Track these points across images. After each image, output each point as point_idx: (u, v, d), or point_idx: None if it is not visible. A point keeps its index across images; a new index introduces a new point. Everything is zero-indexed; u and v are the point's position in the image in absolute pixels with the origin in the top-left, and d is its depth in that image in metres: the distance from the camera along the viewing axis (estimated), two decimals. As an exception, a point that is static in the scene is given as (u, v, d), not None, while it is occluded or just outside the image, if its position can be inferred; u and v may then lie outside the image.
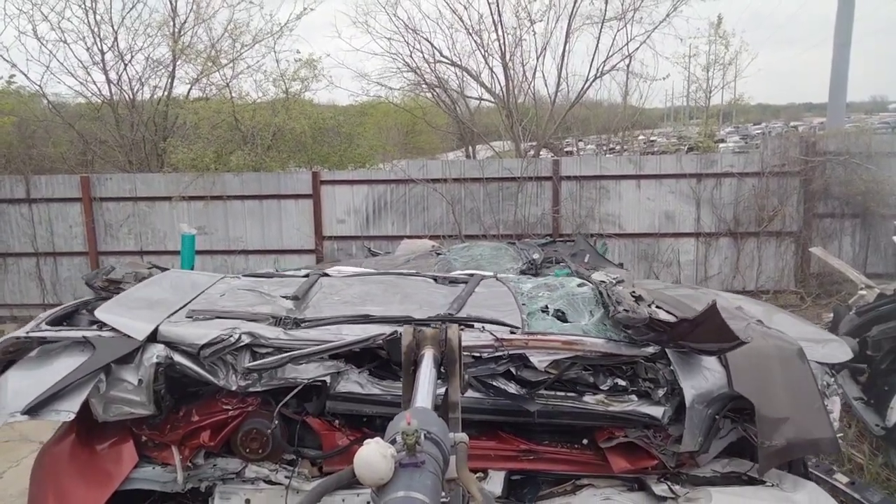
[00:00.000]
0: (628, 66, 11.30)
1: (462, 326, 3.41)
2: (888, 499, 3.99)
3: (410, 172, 10.20)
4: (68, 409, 3.00)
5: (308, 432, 3.36)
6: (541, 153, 11.73)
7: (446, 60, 11.86)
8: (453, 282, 4.38)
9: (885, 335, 5.14)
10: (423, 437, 1.53)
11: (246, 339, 3.25)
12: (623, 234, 10.08)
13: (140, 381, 3.15)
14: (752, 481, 3.17)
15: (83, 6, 11.58)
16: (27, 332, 3.37)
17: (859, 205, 9.62)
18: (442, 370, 2.46)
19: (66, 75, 11.77)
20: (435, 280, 4.44)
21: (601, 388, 3.24)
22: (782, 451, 3.02)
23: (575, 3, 10.41)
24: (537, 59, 11.04)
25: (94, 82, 11.82)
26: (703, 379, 3.19)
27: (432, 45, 11.67)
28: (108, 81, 11.86)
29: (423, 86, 12.78)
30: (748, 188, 9.82)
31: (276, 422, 3.26)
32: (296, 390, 3.21)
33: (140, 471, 3.31)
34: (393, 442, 1.56)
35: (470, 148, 15.72)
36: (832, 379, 3.43)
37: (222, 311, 3.56)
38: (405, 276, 4.62)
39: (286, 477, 3.29)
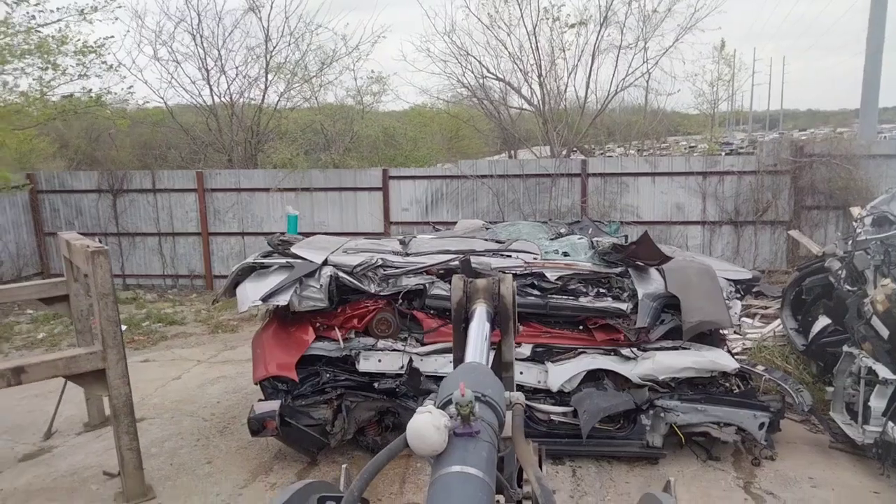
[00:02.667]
0: (647, 82, 13.31)
1: (506, 254, 5.67)
2: (785, 375, 6.04)
3: (463, 170, 12.41)
4: (284, 299, 5.33)
5: (414, 320, 5.61)
6: (572, 154, 13.82)
7: (492, 76, 14.08)
8: (499, 241, 6.61)
9: (813, 284, 7.11)
10: (476, 407, 1.45)
11: (380, 262, 5.53)
12: (640, 222, 12.06)
13: (320, 286, 5.45)
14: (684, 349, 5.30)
15: (191, 31, 14.19)
16: (253, 260, 5.72)
17: (840, 199, 11.40)
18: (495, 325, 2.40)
19: (179, 89, 14.37)
20: (486, 240, 6.68)
21: (589, 293, 5.41)
22: (697, 325, 5.14)
23: (598, 34, 12.48)
24: (567, 77, 13.17)
25: (201, 95, 14.40)
26: (650, 285, 5.33)
27: (481, 63, 13.90)
28: (212, 94, 14.42)
29: (474, 98, 15.02)
30: (746, 184, 11.71)
31: (396, 313, 5.53)
32: (406, 289, 5.45)
33: (316, 344, 5.60)
34: (445, 406, 1.50)
35: (511, 151, 17.89)
36: (734, 290, 5.52)
37: (364, 248, 5.86)
38: (468, 237, 6.88)
39: (402, 346, 5.55)
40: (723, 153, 15.93)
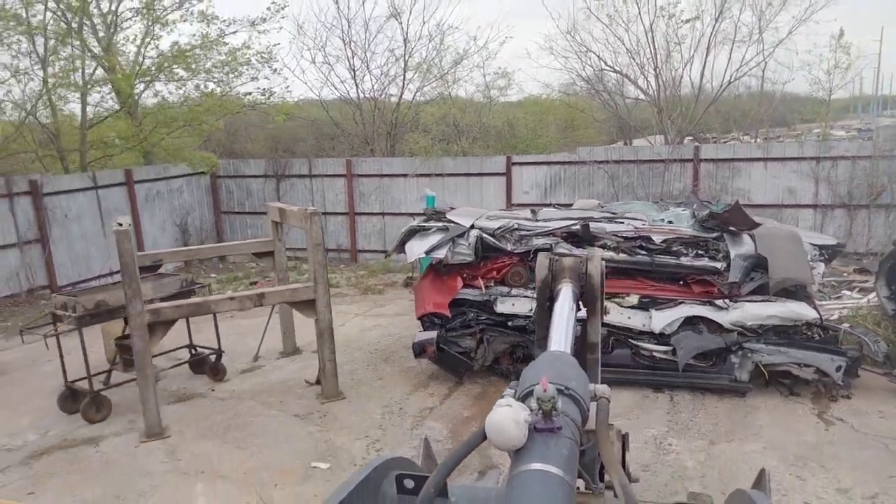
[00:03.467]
0: (763, 72, 13.79)
1: (619, 221, 6.91)
2: (867, 331, 6.84)
3: (581, 156, 13.56)
4: (441, 254, 6.90)
5: (542, 274, 6.99)
6: (685, 141, 14.58)
7: (610, 69, 15.09)
8: (613, 213, 7.85)
9: (909, 256, 7.74)
10: (559, 403, 1.38)
11: (515, 225, 6.97)
12: (751, 205, 12.62)
13: (469, 244, 6.96)
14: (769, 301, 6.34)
15: (341, 36, 16.24)
16: (417, 224, 7.33)
17: (962, 183, 11.48)
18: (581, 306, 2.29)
19: (331, 87, 16.49)
20: (602, 214, 7.95)
21: (689, 254, 6.55)
22: (781, 282, 6.15)
23: (713, 28, 13.17)
24: (682, 68, 13.96)
25: (349, 93, 16.45)
26: (741, 247, 6.40)
27: (599, 57, 14.95)
28: (358, 91, 16.42)
29: (592, 90, 16.10)
30: (861, 169, 12.03)
31: (527, 268, 6.94)
32: (535, 247, 6.84)
33: (463, 290, 7.13)
34: (526, 397, 1.46)
35: (626, 140, 18.73)
36: (818, 253, 6.44)
37: (502, 216, 7.32)
38: (587, 210, 8.16)
39: (531, 293, 6.95)
40: (851, 139, 15.99)
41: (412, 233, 7.36)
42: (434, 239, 7.05)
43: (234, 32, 14.74)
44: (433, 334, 6.85)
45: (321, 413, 6.56)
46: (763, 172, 12.58)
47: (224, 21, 13.72)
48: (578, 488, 1.64)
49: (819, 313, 6.31)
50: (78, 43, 12.55)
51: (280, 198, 15.55)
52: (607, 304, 6.44)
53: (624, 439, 2.16)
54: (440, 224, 7.22)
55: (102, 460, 5.78)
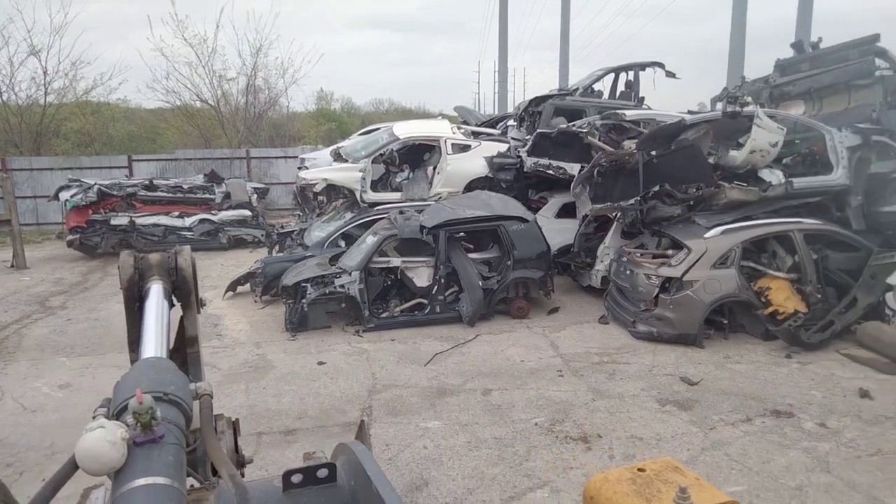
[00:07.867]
0: (287, 108, 24.04)
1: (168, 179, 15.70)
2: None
3: (178, 155, 21.80)
4: (79, 197, 14.72)
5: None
6: (242, 146, 24.03)
7: (200, 101, 23.86)
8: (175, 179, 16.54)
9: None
10: (158, 412, 1.34)
11: (119, 182, 15.17)
12: (280, 183, 22.50)
13: (94, 192, 14.89)
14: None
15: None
16: (65, 184, 14.99)
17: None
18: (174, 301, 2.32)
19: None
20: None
21: (201, 193, 15.62)
22: (233, 203, 15.54)
23: (248, 84, 22.87)
24: (234, 104, 23.38)
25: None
26: (223, 188, 15.68)
27: (192, 92, 23.59)
28: (5, 110, 22.06)
29: (186, 113, 24.70)
30: (334, 162, 22.70)
31: (127, 202, 15.22)
32: (127, 193, 15.14)
33: (93, 215, 14.97)
34: (121, 414, 1.38)
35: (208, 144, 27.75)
36: (253, 190, 16.09)
37: (117, 180, 15.44)
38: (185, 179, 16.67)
39: (130, 213, 15.19)
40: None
41: (61, 189, 14.88)
42: (76, 190, 14.73)
43: None
44: (77, 235, 14.61)
45: (18, 268, 13.84)
46: (286, 165, 22.49)
47: None
48: (193, 486, 1.60)
49: (254, 214, 15.82)
50: None
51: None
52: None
53: (235, 426, 2.13)
54: (78, 183, 14.91)
55: None
